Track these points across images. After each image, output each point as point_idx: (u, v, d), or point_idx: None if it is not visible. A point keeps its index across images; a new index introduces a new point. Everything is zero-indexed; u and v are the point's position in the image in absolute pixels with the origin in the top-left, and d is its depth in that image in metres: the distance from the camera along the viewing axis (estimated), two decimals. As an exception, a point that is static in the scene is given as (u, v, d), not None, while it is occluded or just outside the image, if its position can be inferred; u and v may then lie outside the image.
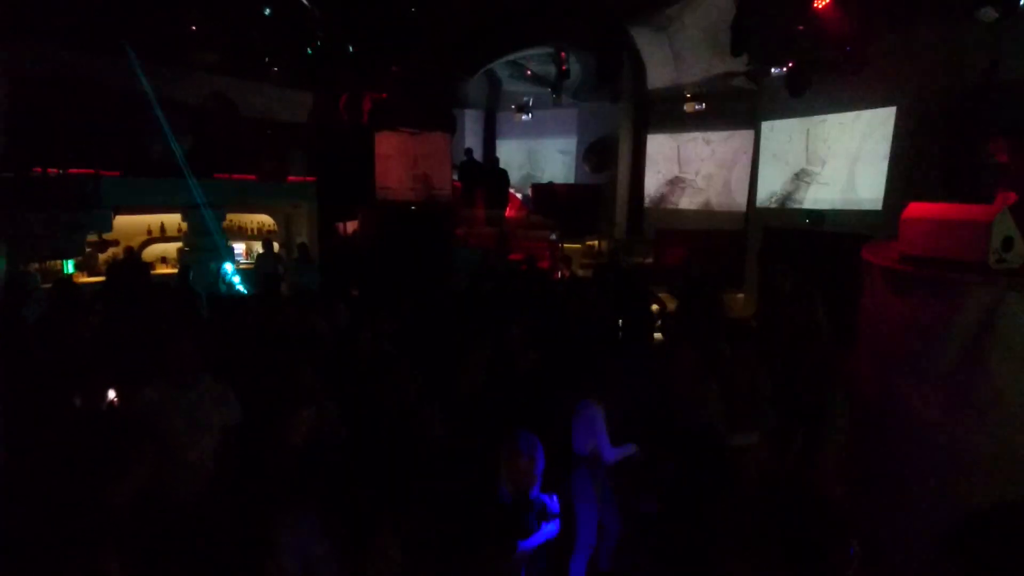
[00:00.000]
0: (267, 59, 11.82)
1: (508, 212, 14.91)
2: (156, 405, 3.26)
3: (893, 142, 9.23)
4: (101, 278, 8.51)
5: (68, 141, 8.83)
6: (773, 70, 10.09)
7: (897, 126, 9.16)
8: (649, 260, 13.17)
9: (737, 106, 12.41)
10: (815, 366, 5.71)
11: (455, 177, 14.33)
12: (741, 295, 11.48)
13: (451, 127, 12.99)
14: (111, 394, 3.79)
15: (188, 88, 10.90)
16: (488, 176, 14.83)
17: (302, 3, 9.44)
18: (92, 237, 9.34)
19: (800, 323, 5.89)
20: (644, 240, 13.96)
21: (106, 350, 4.67)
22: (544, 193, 15.56)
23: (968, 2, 7.48)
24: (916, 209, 4.41)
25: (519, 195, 16.11)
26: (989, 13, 6.82)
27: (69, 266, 9.22)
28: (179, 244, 10.62)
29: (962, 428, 3.61)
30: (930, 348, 3.87)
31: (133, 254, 9.59)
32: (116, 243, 9.84)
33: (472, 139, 16.52)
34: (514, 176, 16.26)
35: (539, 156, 16.93)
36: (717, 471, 3.48)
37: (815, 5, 8.06)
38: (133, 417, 3.29)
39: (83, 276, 9.22)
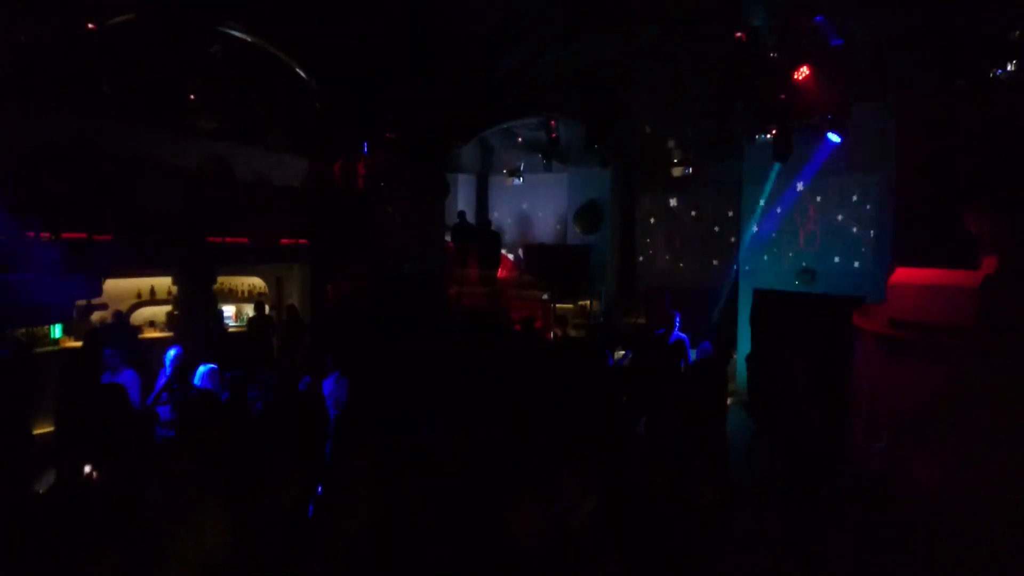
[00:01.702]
0: (264, 125, 12.06)
1: (500, 273, 15.01)
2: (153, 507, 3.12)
3: (879, 205, 9.43)
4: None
5: (61, 205, 8.86)
6: (757, 136, 10.40)
7: (882, 189, 9.37)
8: (641, 320, 13.21)
9: (723, 169, 12.70)
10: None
11: (448, 239, 14.47)
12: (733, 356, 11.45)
13: (444, 191, 13.20)
14: (87, 469, 3.66)
15: (184, 152, 11.07)
16: (481, 237, 15.00)
17: (298, 72, 9.73)
18: (80, 301, 9.25)
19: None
20: (636, 300, 14.03)
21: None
22: (536, 254, 15.70)
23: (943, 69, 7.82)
24: (904, 274, 4.47)
25: (511, 256, 16.25)
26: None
27: (57, 331, 9.11)
28: (169, 308, 10.55)
29: (960, 495, 3.54)
30: (924, 413, 3.84)
31: (121, 318, 9.50)
32: (104, 307, 9.75)
33: (465, 202, 16.78)
34: (506, 238, 16.46)
35: (531, 218, 17.17)
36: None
37: (795, 76, 8.36)
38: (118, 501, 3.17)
39: (70, 341, 9.10)
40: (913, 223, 8.51)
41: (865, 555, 4.19)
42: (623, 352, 9.32)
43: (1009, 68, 7.48)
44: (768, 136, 9.89)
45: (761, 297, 11.08)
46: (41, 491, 3.18)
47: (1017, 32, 7.39)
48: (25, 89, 8.51)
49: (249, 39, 9.17)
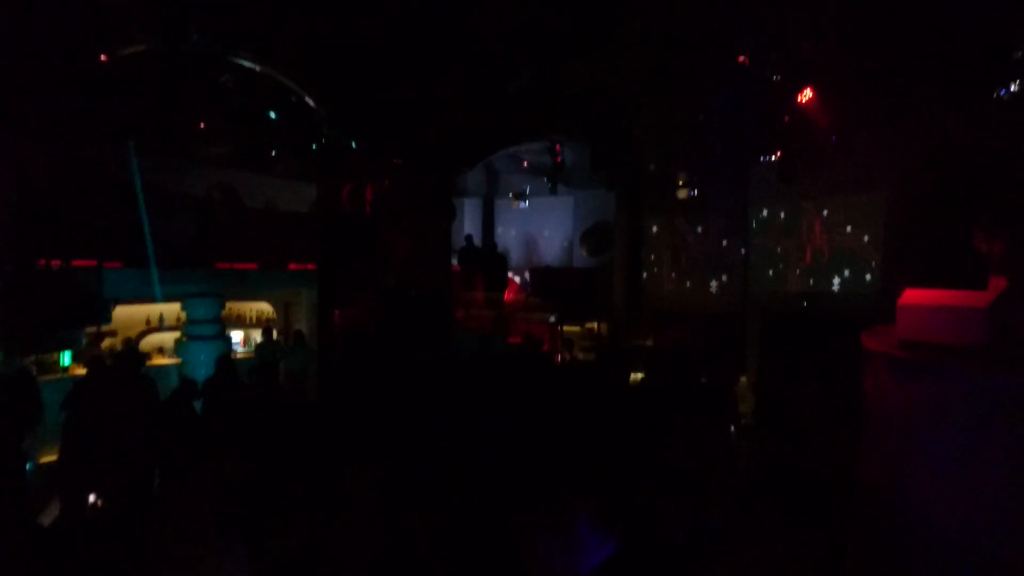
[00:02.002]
0: (272, 152, 12.22)
1: (507, 295, 15.00)
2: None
3: (885, 225, 9.40)
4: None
5: (72, 233, 8.95)
6: (762, 157, 10.44)
7: (888, 210, 9.35)
8: (649, 342, 13.13)
9: (729, 191, 12.71)
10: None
11: (455, 262, 14.51)
12: (743, 378, 11.34)
13: (451, 215, 13.28)
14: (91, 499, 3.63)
15: (194, 180, 11.22)
16: (487, 260, 15.04)
17: (307, 101, 9.88)
18: (90, 328, 9.31)
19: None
20: (643, 322, 13.97)
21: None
22: (542, 276, 15.71)
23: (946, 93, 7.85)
24: (912, 295, 4.43)
25: (518, 279, 16.27)
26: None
27: (66, 358, 9.15)
28: (177, 334, 10.60)
29: (970, 519, 3.48)
30: (934, 436, 3.79)
31: (130, 345, 9.55)
32: (114, 334, 9.82)
33: (472, 225, 16.87)
34: (513, 261, 16.50)
35: (537, 241, 17.23)
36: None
37: (799, 99, 8.41)
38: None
39: (79, 368, 9.13)
40: (920, 242, 8.48)
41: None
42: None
43: (1013, 88, 7.50)
44: (773, 158, 9.93)
45: (769, 317, 11.02)
46: (45, 523, 3.14)
47: (1020, 52, 7.42)
48: (35, 118, 8.66)
49: (258, 69, 9.32)
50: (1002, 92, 7.68)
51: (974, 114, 7.71)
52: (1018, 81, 7.51)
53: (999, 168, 7.61)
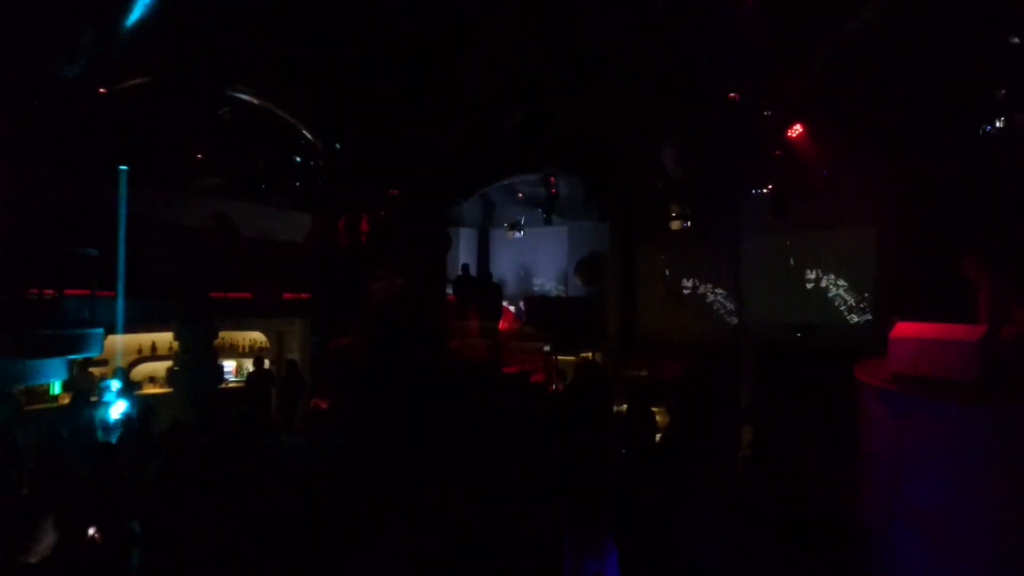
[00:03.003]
0: (268, 183, 12.29)
1: (501, 324, 14.98)
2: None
3: (876, 257, 9.49)
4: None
5: (65, 262, 8.91)
6: (754, 190, 10.56)
7: (879, 242, 9.45)
8: (644, 373, 13.11)
9: (722, 224, 12.82)
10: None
11: (449, 291, 14.52)
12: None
13: (446, 245, 13.32)
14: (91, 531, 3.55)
15: (190, 210, 11.25)
16: (482, 289, 15.05)
17: (304, 133, 9.98)
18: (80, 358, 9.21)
19: None
20: (638, 353, 13.95)
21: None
22: (537, 306, 15.69)
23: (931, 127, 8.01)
24: (904, 328, 4.47)
25: (512, 308, 16.27)
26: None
27: (56, 387, 9.06)
28: (169, 363, 10.52)
29: (961, 549, 3.47)
30: (926, 468, 3.79)
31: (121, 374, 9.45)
32: (105, 363, 9.74)
33: (467, 255, 16.93)
34: (508, 290, 16.53)
35: (532, 270, 17.30)
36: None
37: (789, 134, 8.55)
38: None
39: (67, 398, 9.03)
40: (910, 276, 8.56)
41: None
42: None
43: (998, 124, 7.67)
44: (764, 191, 10.05)
45: (762, 349, 11.04)
46: (33, 560, 3.06)
47: (1003, 90, 7.60)
48: (33, 149, 8.71)
49: (256, 102, 9.44)
50: (988, 128, 7.84)
51: (960, 149, 7.86)
52: (1003, 118, 7.67)
53: (987, 201, 7.73)
